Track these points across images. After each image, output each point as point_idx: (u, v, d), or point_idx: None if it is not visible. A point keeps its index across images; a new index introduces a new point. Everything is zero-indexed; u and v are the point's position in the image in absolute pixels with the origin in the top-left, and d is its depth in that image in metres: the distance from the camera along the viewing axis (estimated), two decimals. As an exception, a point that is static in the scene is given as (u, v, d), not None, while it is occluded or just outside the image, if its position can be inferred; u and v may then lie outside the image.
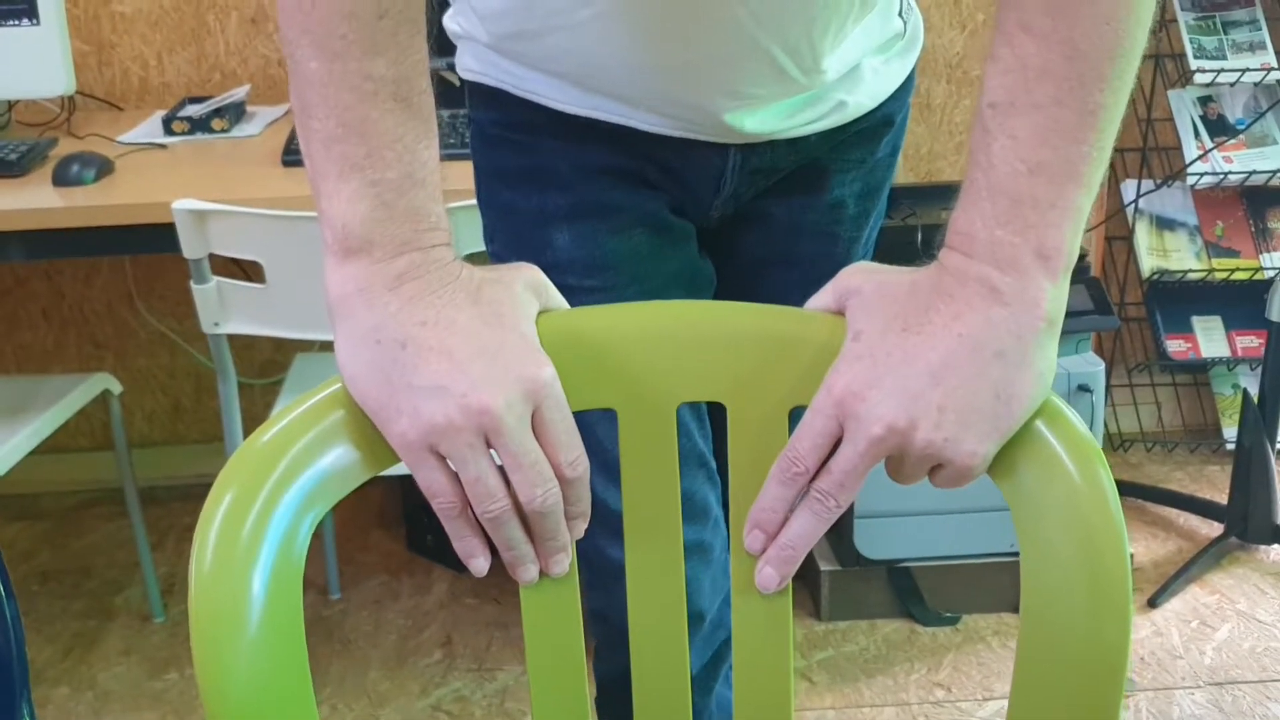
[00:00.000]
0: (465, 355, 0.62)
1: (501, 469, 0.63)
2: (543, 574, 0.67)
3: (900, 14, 1.00)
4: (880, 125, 1.03)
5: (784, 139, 0.97)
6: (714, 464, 1.05)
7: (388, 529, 2.31)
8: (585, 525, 0.68)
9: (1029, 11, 0.61)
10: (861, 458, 0.63)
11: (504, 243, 1.02)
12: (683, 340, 0.69)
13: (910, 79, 1.04)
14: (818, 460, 0.64)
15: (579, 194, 0.97)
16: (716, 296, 1.05)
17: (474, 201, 1.04)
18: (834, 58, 0.93)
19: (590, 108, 0.94)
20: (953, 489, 0.66)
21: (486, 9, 0.94)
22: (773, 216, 1.04)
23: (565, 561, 0.68)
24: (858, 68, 0.97)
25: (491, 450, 0.63)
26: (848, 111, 0.98)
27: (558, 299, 0.69)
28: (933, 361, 0.61)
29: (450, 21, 1.01)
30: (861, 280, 0.66)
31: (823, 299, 0.68)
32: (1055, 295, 0.62)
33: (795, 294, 1.01)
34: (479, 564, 0.66)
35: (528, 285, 0.67)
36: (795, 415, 0.67)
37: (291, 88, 0.64)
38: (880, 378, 0.62)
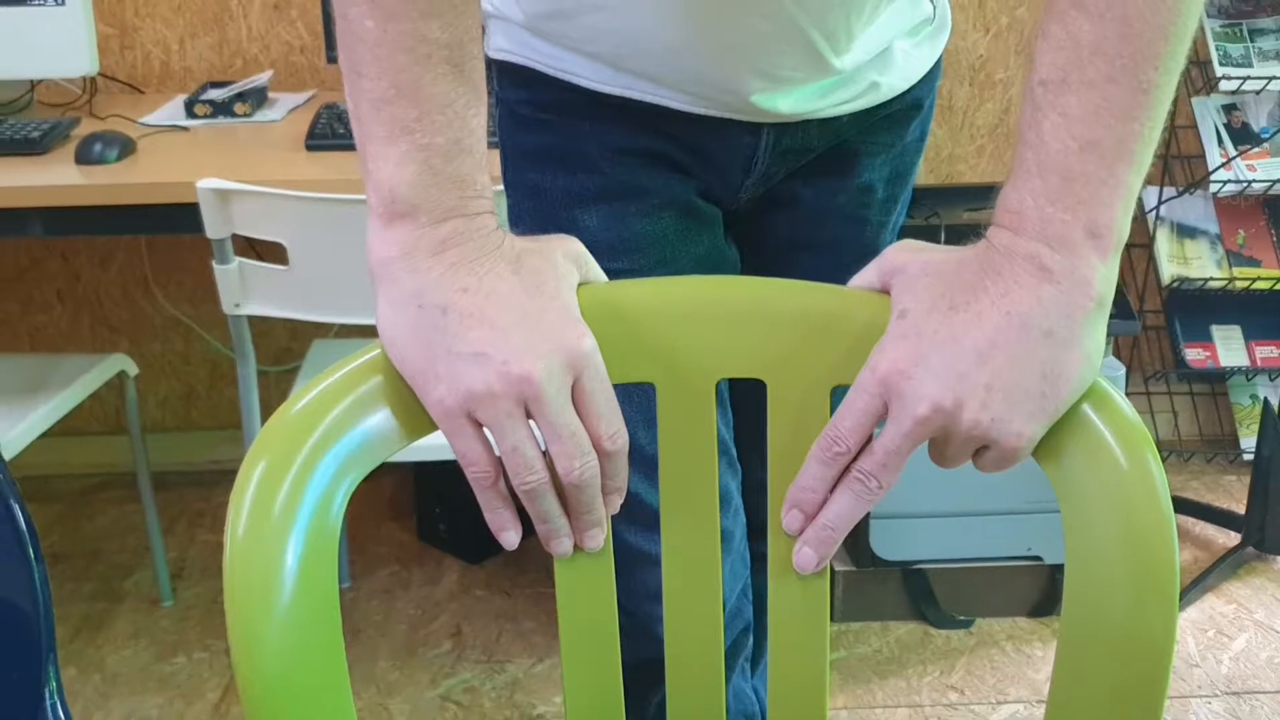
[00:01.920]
0: (506, 323, 0.61)
1: (539, 441, 0.62)
2: (577, 548, 0.67)
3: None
4: (910, 109, 1.02)
5: (816, 119, 0.96)
6: (735, 450, 1.05)
7: (399, 519, 2.30)
8: (621, 500, 0.67)
9: None
10: (905, 438, 0.62)
11: (530, 224, 1.01)
12: (724, 316, 0.68)
13: (938, 65, 1.04)
14: (860, 440, 0.63)
15: (608, 176, 0.97)
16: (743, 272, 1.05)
17: (501, 187, 1.03)
18: (866, 40, 0.93)
19: (623, 87, 0.93)
20: (996, 473, 0.65)
21: None
22: (801, 199, 1.03)
23: (600, 536, 0.67)
24: (889, 50, 0.96)
25: (530, 422, 0.62)
26: (881, 92, 0.97)
27: (596, 271, 0.68)
28: (980, 340, 0.60)
29: (483, 0, 1.00)
30: (907, 258, 0.65)
31: (866, 277, 0.67)
32: (1106, 275, 0.61)
33: (824, 278, 1.00)
34: (510, 537, 0.65)
35: (568, 255, 0.66)
36: (837, 395, 0.66)
37: (340, 47, 0.63)
38: (926, 356, 0.61)
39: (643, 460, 0.89)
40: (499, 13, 0.98)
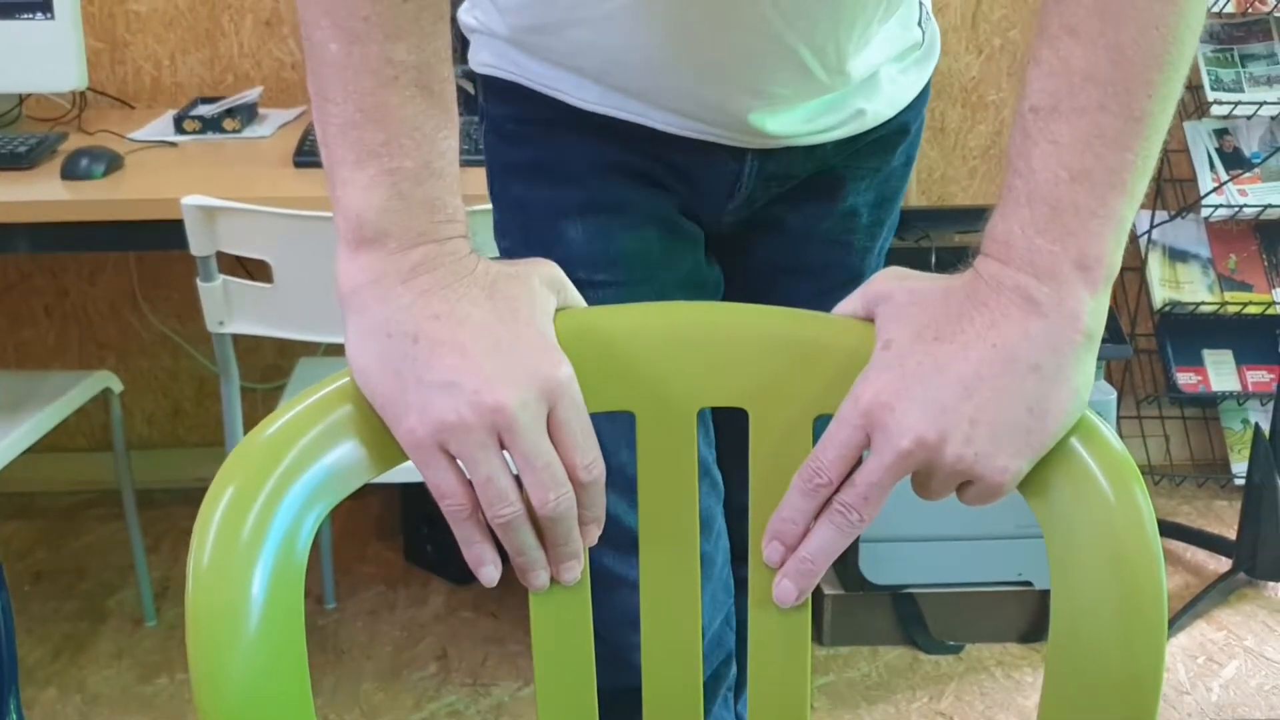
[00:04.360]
0: (479, 351, 0.59)
1: (515, 473, 0.61)
2: (554, 581, 0.65)
3: (919, 23, 0.99)
4: (896, 134, 1.01)
5: (801, 146, 0.95)
6: (718, 472, 1.03)
7: (386, 539, 2.28)
8: (599, 532, 0.65)
9: (1075, 14, 0.59)
10: (888, 471, 0.61)
11: (516, 237, 1.00)
12: (705, 343, 0.67)
13: (926, 89, 1.04)
14: (842, 472, 0.62)
15: (593, 189, 0.96)
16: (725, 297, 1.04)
17: (489, 206, 1.02)
18: (857, 59, 0.92)
19: (612, 107, 0.93)
20: (979, 507, 0.63)
21: (507, 1, 0.93)
22: (786, 224, 1.02)
23: (577, 569, 0.65)
24: (876, 76, 0.96)
25: (504, 452, 0.61)
26: (866, 120, 0.97)
27: (575, 296, 0.67)
28: (965, 373, 0.59)
29: (466, 15, 0.99)
30: (892, 287, 0.64)
31: (851, 305, 0.66)
32: (1095, 308, 0.60)
33: (807, 303, 0.99)
34: (489, 572, 0.63)
35: (545, 281, 0.65)
36: (820, 424, 0.65)
37: (309, 72, 0.62)
38: (909, 388, 0.60)
39: (624, 482, 0.89)
40: (484, 27, 0.97)
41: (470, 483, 0.61)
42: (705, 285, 1.03)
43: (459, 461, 0.60)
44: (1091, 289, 0.60)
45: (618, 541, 0.87)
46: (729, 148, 0.94)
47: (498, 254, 1.03)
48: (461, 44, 0.99)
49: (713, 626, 1.07)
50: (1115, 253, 0.60)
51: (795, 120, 0.93)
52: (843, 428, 0.62)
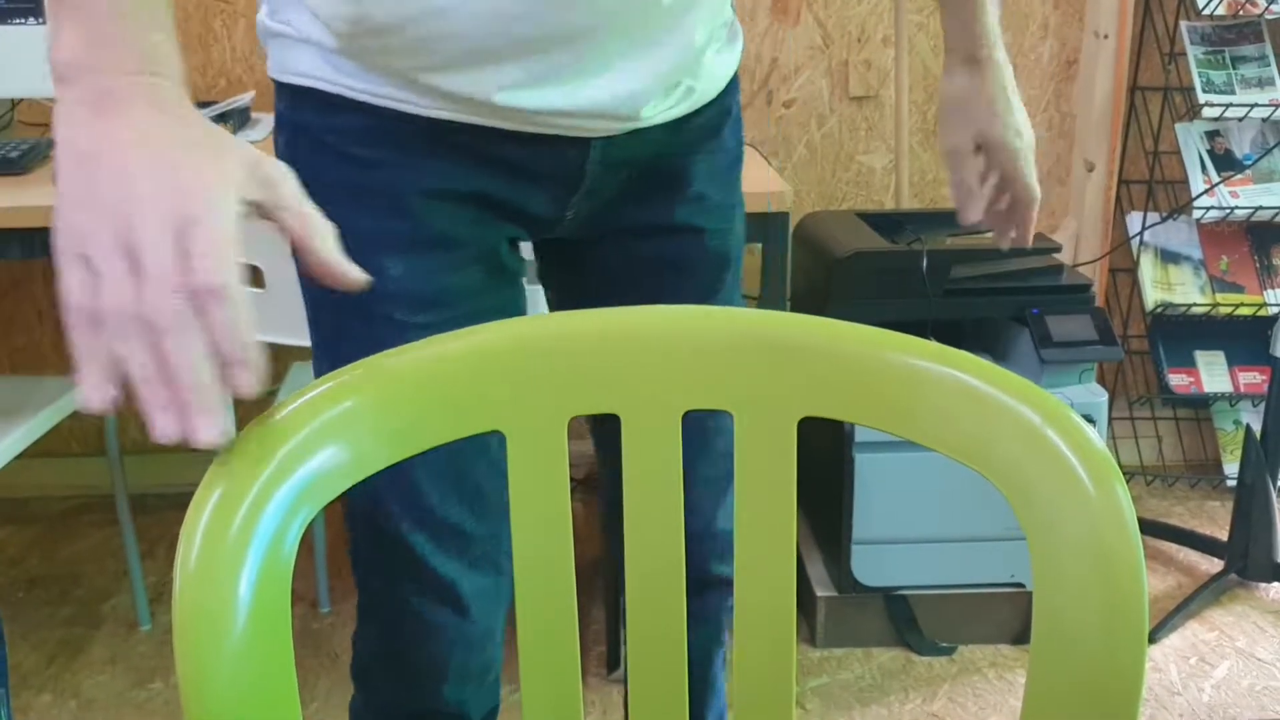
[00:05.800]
0: (137, 171, 0.59)
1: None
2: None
3: (730, 5, 1.01)
4: (720, 115, 1.03)
5: (641, 128, 0.95)
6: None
7: (380, 543, 2.28)
8: (247, 377, 0.60)
9: None
10: (1016, 166, 1.12)
11: None
12: (690, 346, 0.67)
13: (736, 74, 1.06)
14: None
15: (419, 222, 0.92)
16: (595, 306, 1.03)
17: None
18: (688, 34, 0.92)
19: (442, 109, 0.89)
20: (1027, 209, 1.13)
21: (331, 10, 0.88)
22: (637, 219, 1.01)
23: (212, 427, 0.57)
24: (700, 55, 0.96)
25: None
26: (696, 98, 0.98)
27: (282, 196, 0.64)
28: (1010, 99, 1.12)
29: (271, 20, 0.94)
30: (942, 102, 1.14)
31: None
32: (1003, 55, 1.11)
33: (689, 297, 1.00)
34: (98, 397, 0.57)
35: (247, 159, 0.63)
36: (804, 424, 0.66)
37: None
38: (997, 114, 1.11)
39: (445, 528, 0.95)
40: (300, 35, 0.91)
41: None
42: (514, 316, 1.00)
43: (90, 265, 0.58)
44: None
45: (431, 585, 0.95)
46: (570, 139, 0.92)
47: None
48: None
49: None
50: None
51: (633, 99, 0.91)
52: (968, 161, 1.13)
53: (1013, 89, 1.11)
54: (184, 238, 0.58)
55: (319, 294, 0.95)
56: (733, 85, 1.05)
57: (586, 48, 0.87)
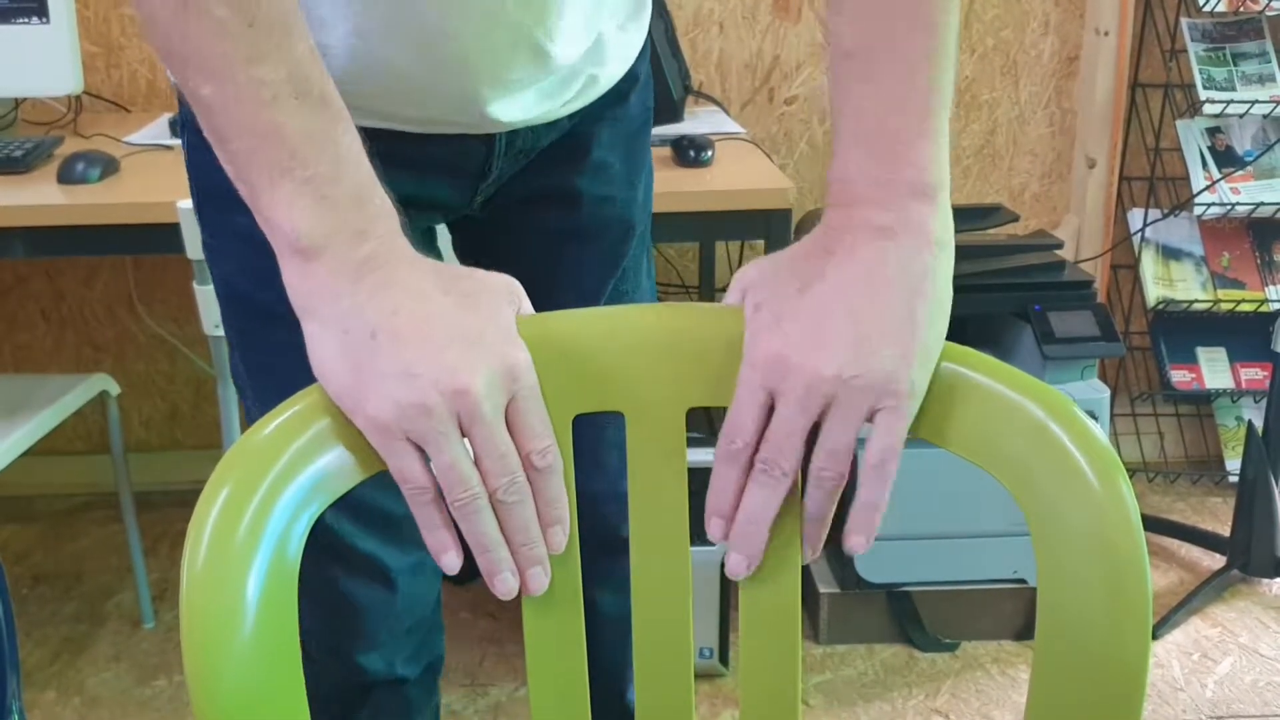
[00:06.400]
0: (441, 340, 0.61)
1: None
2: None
3: None
4: (628, 82, 1.01)
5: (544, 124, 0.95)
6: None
7: (383, 540, 2.29)
8: (564, 535, 0.66)
9: None
10: (797, 415, 0.63)
11: (232, 266, 0.94)
12: (692, 343, 0.67)
13: (647, 41, 1.03)
14: (756, 430, 0.64)
15: None
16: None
17: None
18: (587, 32, 0.92)
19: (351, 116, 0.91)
20: (895, 442, 0.65)
21: None
22: (544, 191, 1.01)
23: (543, 577, 0.65)
24: (600, 40, 0.95)
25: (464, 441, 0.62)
26: (600, 85, 0.97)
27: (529, 308, 0.68)
28: (835, 304, 0.63)
29: None
30: (752, 267, 0.68)
31: (730, 298, 0.69)
32: (940, 218, 0.64)
33: (597, 266, 0.98)
34: (450, 559, 0.64)
35: (502, 286, 0.66)
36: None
37: (201, 125, 0.63)
38: (791, 335, 0.63)
39: (380, 519, 0.96)
40: None
41: (432, 469, 0.62)
42: None
43: (423, 447, 0.61)
44: (930, 203, 0.64)
45: (359, 566, 0.97)
46: (476, 135, 0.93)
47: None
48: None
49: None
50: (944, 166, 0.65)
51: (533, 103, 0.92)
52: (745, 391, 0.64)
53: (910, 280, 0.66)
54: (514, 410, 0.63)
55: (232, 294, 0.94)
56: (641, 54, 1.02)
57: (483, 93, 0.89)
